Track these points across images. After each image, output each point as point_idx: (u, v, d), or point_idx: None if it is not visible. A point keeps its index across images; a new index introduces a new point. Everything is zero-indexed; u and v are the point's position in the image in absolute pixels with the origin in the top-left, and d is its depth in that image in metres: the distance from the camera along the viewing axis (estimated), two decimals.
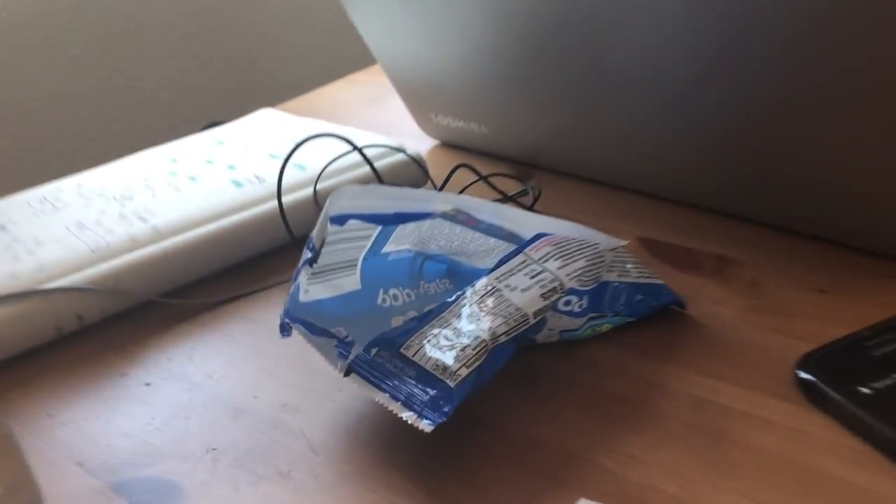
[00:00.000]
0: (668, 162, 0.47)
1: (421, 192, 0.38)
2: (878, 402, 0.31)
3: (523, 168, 0.57)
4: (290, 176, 0.52)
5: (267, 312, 0.44)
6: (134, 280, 0.45)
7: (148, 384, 0.39)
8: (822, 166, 0.40)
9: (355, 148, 0.50)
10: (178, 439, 0.36)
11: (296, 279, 0.36)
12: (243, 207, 0.49)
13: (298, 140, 0.52)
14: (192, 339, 0.42)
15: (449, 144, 0.62)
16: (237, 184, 0.52)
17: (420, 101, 0.61)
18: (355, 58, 0.91)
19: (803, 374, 0.34)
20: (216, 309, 0.45)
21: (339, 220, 0.36)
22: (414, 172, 0.54)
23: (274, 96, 0.98)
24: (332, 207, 0.36)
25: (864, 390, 0.32)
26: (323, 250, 0.36)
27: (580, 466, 0.32)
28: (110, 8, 0.91)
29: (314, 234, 0.36)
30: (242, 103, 0.95)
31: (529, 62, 0.49)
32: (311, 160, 0.54)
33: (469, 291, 0.34)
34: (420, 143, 0.63)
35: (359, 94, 0.75)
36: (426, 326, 0.33)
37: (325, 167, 0.51)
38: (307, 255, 0.36)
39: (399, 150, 0.54)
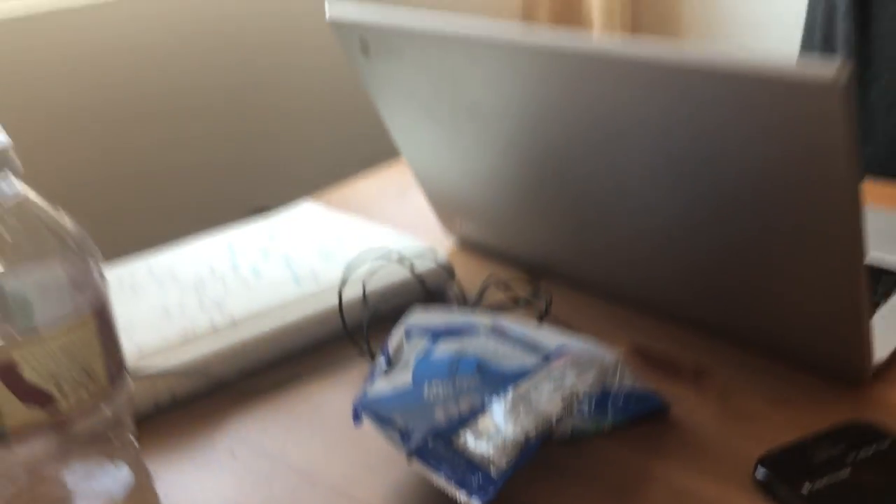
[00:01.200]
0: (657, 282, 0.58)
1: (468, 314, 0.48)
2: (816, 500, 0.41)
3: (536, 271, 0.67)
4: (337, 273, 0.61)
5: (324, 395, 0.53)
6: (217, 363, 0.54)
7: (232, 453, 0.48)
8: (778, 304, 0.50)
9: (412, 272, 0.60)
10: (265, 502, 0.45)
11: (372, 379, 0.45)
12: (304, 302, 0.59)
13: (348, 245, 0.62)
14: (265, 416, 0.52)
15: (469, 243, 0.72)
16: (296, 280, 0.61)
17: (445, 206, 0.71)
18: (381, 148, 1.02)
19: (760, 473, 0.44)
20: (282, 389, 0.54)
21: (408, 333, 0.46)
22: (443, 274, 0.64)
23: (308, 174, 1.08)
24: (405, 325, 0.46)
25: (806, 489, 0.42)
26: (393, 357, 0.46)
27: None
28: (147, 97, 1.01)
29: (391, 344, 0.46)
30: (277, 185, 1.05)
31: (540, 188, 0.59)
32: (355, 254, 0.63)
33: (505, 396, 0.44)
34: (443, 238, 0.73)
35: (386, 188, 0.85)
36: (471, 423, 0.43)
37: (371, 273, 0.61)
38: (383, 361, 0.45)
39: (430, 255, 0.64)
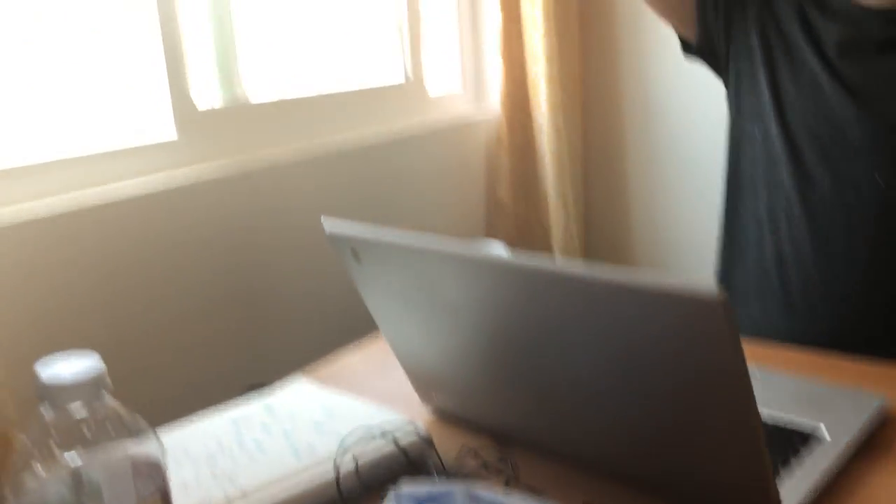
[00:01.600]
0: (604, 448, 0.68)
1: (448, 483, 0.58)
2: None
3: (503, 438, 0.77)
4: (331, 446, 0.71)
5: None
6: None
7: None
8: (701, 467, 0.61)
9: (396, 445, 0.70)
10: None
11: None
12: (303, 474, 0.68)
13: (339, 420, 0.72)
14: None
15: (444, 413, 0.82)
16: (295, 453, 0.71)
17: (423, 382, 0.81)
18: (364, 322, 1.13)
19: None
20: None
21: (398, 502, 0.56)
22: (422, 445, 0.73)
23: (299, 349, 1.18)
24: (395, 495, 0.56)
25: None
26: None
27: None
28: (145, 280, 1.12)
29: None
30: (270, 361, 1.15)
31: (503, 371, 0.70)
32: (345, 429, 0.73)
33: None
34: (421, 409, 0.83)
35: (367, 362, 0.96)
36: None
37: (361, 449, 0.71)
38: None
39: (411, 428, 0.74)
